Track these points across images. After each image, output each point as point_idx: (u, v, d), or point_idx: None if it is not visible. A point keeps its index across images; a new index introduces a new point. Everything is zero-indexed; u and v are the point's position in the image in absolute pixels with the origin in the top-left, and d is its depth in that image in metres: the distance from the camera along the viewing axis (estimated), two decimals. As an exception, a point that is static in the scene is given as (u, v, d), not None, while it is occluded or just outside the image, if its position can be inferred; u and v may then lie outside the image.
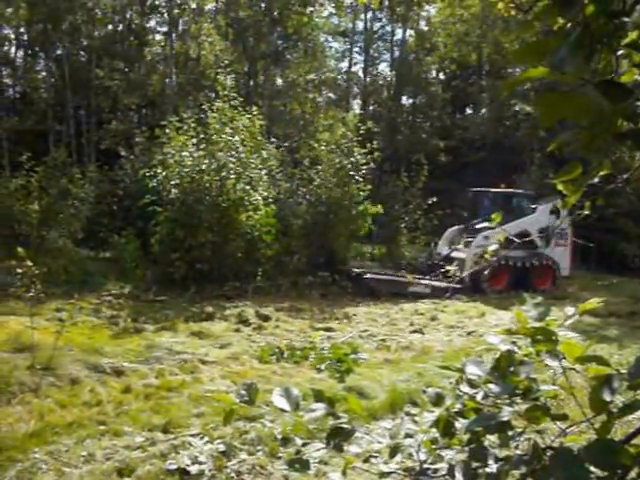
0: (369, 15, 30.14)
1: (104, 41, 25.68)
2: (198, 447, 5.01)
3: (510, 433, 1.45)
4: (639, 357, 1.28)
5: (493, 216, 2.61)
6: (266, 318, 10.48)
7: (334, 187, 14.60)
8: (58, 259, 12.16)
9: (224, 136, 13.33)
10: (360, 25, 31.63)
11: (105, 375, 6.93)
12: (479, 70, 30.74)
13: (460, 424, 1.54)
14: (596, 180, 1.44)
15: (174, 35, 25.13)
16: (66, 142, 22.27)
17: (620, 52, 1.20)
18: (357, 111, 24.66)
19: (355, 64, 32.30)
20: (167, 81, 24.01)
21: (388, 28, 31.48)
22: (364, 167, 14.67)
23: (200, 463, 4.72)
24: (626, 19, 1.13)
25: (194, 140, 13.48)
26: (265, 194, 13.89)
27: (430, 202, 17.30)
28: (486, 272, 13.68)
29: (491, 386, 1.47)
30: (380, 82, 32.38)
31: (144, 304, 11.21)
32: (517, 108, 27.17)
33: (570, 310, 1.54)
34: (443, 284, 13.06)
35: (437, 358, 8.32)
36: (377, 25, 31.25)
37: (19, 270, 7.04)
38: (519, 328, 1.46)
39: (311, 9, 26.09)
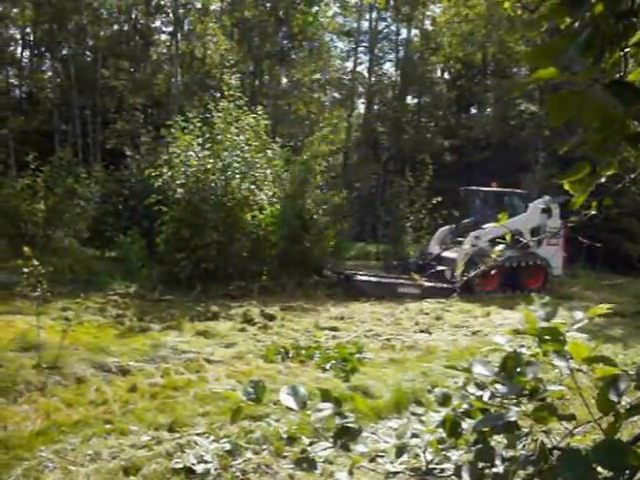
0: (374, 15, 30.16)
1: (110, 41, 25.80)
2: (204, 446, 5.02)
3: (517, 433, 1.45)
4: (646, 357, 1.28)
5: (499, 216, 2.61)
6: (271, 317, 10.48)
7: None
8: (64, 258, 12.19)
9: (229, 136, 13.36)
10: (365, 25, 31.69)
11: (111, 374, 6.94)
12: (484, 70, 30.64)
13: (467, 424, 1.54)
14: (603, 180, 1.44)
15: (179, 35, 25.19)
16: (72, 142, 22.42)
17: (626, 50, 1.20)
18: (362, 111, 24.63)
19: (360, 64, 32.25)
20: (172, 81, 24.07)
21: (393, 28, 31.50)
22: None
23: (206, 462, 4.72)
24: (634, 19, 1.13)
25: (199, 140, 13.49)
26: (270, 193, 13.91)
27: (435, 202, 17.28)
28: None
29: (498, 386, 1.47)
30: (385, 82, 32.38)
31: (150, 303, 11.22)
32: (522, 107, 27.12)
33: (578, 314, 1.53)
34: (433, 284, 13.12)
35: (442, 358, 8.31)
36: (382, 25, 31.20)
37: (25, 269, 7.05)
38: (527, 328, 1.46)
39: (316, 8, 26.10)
